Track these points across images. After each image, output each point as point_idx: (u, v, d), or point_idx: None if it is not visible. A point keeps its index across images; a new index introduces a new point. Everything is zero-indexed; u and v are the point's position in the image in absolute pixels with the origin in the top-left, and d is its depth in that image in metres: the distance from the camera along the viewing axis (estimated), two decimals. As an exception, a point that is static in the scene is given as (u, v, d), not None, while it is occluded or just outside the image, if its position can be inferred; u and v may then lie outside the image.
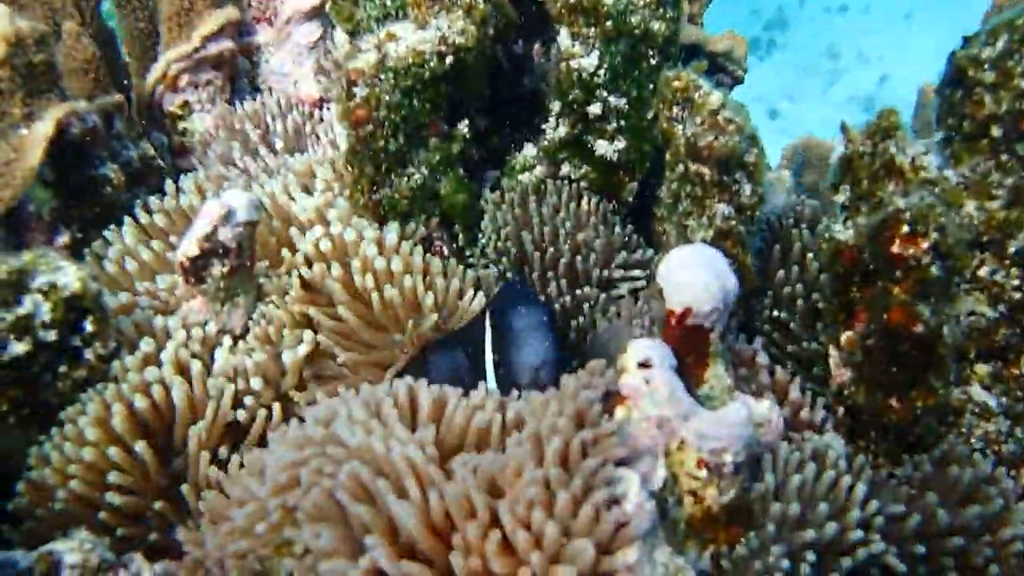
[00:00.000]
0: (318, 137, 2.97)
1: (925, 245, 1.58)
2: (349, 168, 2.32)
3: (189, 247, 2.08)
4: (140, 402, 1.94)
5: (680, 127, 2.13)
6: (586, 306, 2.44)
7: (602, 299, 2.47)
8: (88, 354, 1.96)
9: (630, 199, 2.61)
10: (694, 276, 1.56)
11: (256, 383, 2.13)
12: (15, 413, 1.91)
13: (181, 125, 3.03)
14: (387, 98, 2.19)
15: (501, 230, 2.53)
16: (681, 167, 2.12)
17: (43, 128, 2.18)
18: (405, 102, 2.24)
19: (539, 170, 2.62)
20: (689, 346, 1.58)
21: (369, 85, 2.16)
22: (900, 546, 1.55)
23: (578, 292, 2.43)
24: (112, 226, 2.48)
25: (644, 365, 1.44)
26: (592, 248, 2.45)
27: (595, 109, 2.41)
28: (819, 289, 2.06)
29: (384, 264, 2.21)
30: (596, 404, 1.32)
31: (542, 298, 2.27)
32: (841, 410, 1.78)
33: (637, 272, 2.52)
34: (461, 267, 2.39)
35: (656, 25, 2.33)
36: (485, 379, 2.01)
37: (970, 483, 1.72)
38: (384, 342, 2.25)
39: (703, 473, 1.38)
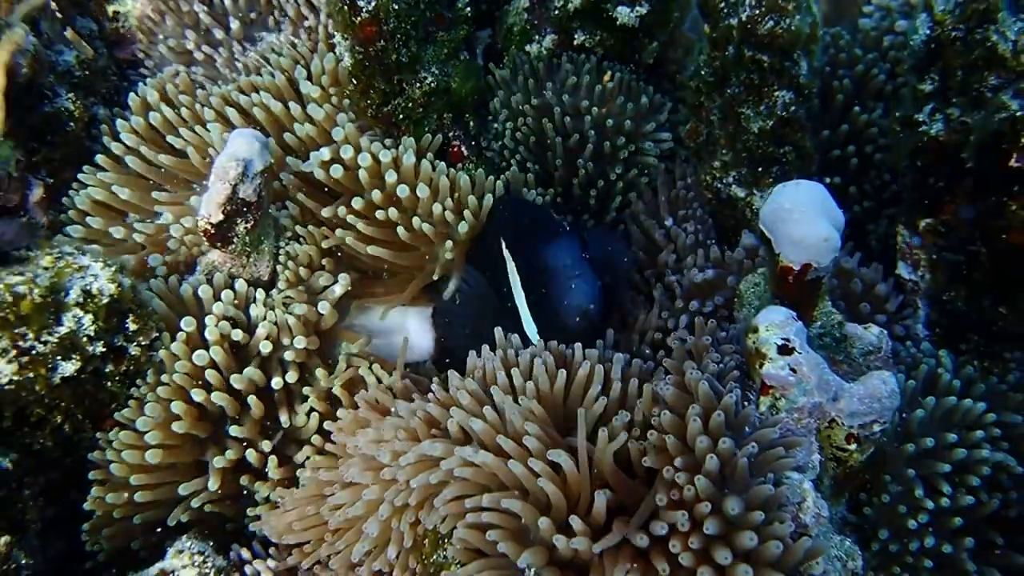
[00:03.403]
0: (274, 5, 2.58)
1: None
2: (354, 82, 2.06)
3: (214, 213, 1.86)
4: (198, 396, 1.83)
5: (723, 1, 1.93)
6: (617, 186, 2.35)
7: (631, 174, 2.38)
8: (133, 349, 1.80)
9: (650, 61, 2.42)
10: (813, 230, 1.48)
11: (300, 341, 2.01)
12: (69, 421, 1.79)
13: (111, 9, 2.57)
14: (395, 6, 1.89)
15: (518, 117, 2.33)
16: (732, 50, 1.95)
17: (-4, 83, 1.83)
18: (412, 3, 1.94)
19: (549, 39, 2.38)
20: (805, 295, 1.55)
21: (379, -3, 1.86)
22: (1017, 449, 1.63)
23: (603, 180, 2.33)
24: (85, 167, 2.20)
25: (784, 350, 1.41)
26: (621, 129, 2.30)
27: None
28: (893, 170, 2.00)
29: (408, 192, 2.04)
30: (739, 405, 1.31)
31: (565, 220, 2.07)
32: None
33: (664, 135, 2.40)
34: (485, 173, 2.22)
35: None
36: (514, 321, 1.88)
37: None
38: (416, 260, 2.13)
39: (852, 446, 1.41)
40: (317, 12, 2.39)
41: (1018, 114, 1.54)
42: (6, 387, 1.60)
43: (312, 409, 1.99)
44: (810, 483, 1.32)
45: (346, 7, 1.88)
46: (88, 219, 2.16)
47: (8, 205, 2.07)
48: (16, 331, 1.59)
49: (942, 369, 1.65)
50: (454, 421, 1.53)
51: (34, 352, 1.61)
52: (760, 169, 2.04)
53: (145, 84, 2.34)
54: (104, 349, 1.70)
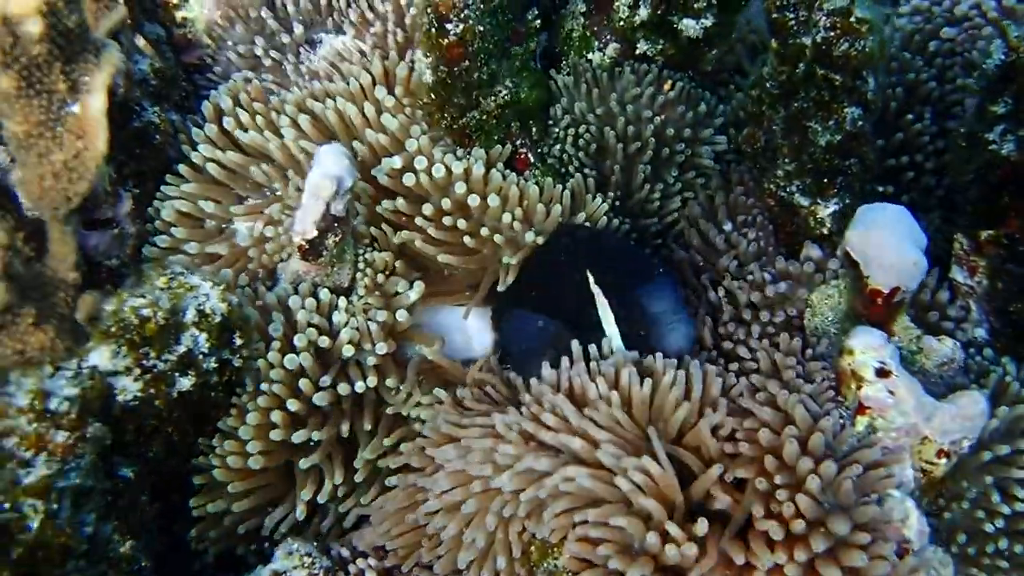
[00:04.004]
0: (333, 7, 2.62)
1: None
2: (433, 96, 2.13)
3: (308, 231, 1.94)
4: (294, 406, 1.94)
5: (793, 18, 2.00)
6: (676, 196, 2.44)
7: (689, 176, 2.46)
8: (236, 361, 1.90)
9: (708, 68, 2.48)
10: (902, 256, 1.59)
11: (381, 348, 2.10)
12: (179, 433, 1.89)
13: (179, 15, 2.62)
14: (480, 28, 1.96)
15: (580, 124, 2.40)
16: (803, 67, 2.02)
17: (97, 104, 1.87)
18: (494, 23, 2.01)
19: (612, 48, 2.44)
20: (890, 315, 1.65)
21: (463, 20, 1.92)
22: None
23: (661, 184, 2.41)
24: (168, 177, 2.28)
25: (882, 373, 1.52)
26: (680, 135, 2.38)
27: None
28: (956, 185, 2.08)
29: (479, 201, 2.12)
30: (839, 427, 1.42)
31: (660, 262, 2.14)
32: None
33: (720, 139, 2.47)
34: (553, 181, 2.29)
35: None
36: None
37: None
38: (480, 262, 2.22)
39: (942, 461, 1.52)
40: (384, 19, 2.44)
41: None
42: (131, 403, 1.71)
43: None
44: (912, 501, 1.43)
45: (434, 30, 1.94)
46: (173, 230, 2.24)
47: (102, 218, 2.15)
48: (140, 351, 1.69)
49: (1009, 377, 1.76)
50: (555, 437, 1.64)
51: (156, 370, 1.71)
52: (825, 180, 2.12)
53: (218, 91, 2.41)
54: (216, 364, 1.80)
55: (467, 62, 2.00)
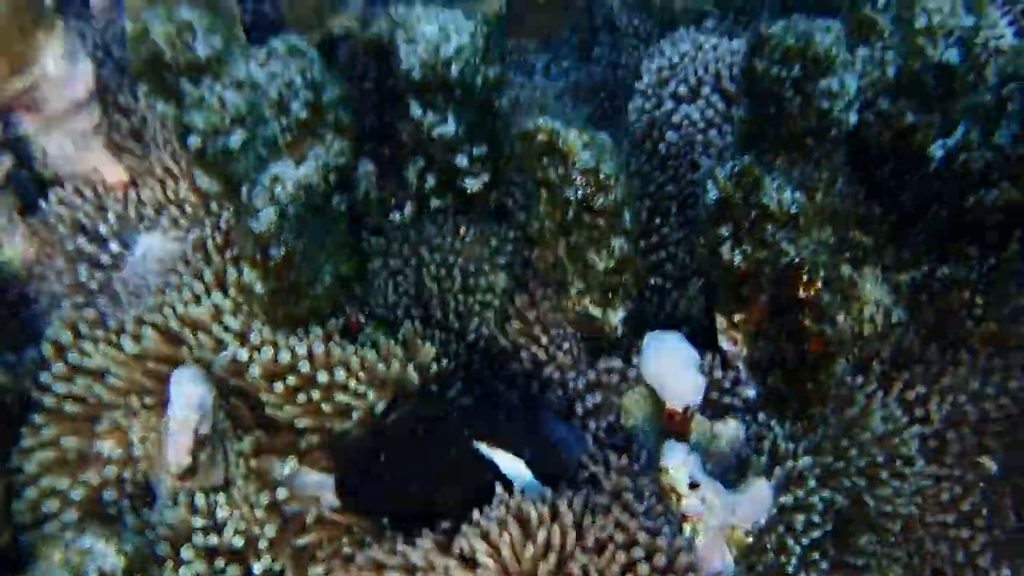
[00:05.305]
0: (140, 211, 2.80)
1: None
2: (266, 301, 2.37)
3: (183, 460, 2.13)
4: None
5: (554, 174, 2.42)
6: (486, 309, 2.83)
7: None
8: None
9: (492, 207, 2.88)
10: (685, 380, 2.05)
11: (271, 529, 2.31)
12: None
13: (-11, 257, 2.68)
14: (300, 243, 2.23)
15: (397, 275, 2.73)
16: (572, 214, 2.44)
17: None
18: (312, 229, 2.28)
19: (409, 208, 2.78)
20: (686, 422, 2.10)
21: (283, 242, 2.18)
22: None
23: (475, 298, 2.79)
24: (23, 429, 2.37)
25: (693, 486, 1.94)
26: (481, 269, 2.77)
27: (461, 162, 2.58)
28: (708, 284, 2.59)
29: (327, 378, 2.39)
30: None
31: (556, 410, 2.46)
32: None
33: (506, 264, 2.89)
34: (386, 336, 2.60)
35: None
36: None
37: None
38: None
39: (749, 538, 1.97)
40: (201, 223, 2.64)
41: (796, 260, 2.17)
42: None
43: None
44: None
45: (258, 256, 2.19)
46: (42, 480, 2.33)
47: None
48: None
49: (779, 440, 2.26)
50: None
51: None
52: (610, 295, 2.56)
53: (53, 327, 2.50)
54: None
55: (293, 274, 2.25)
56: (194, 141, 2.09)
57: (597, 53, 4.98)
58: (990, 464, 2.73)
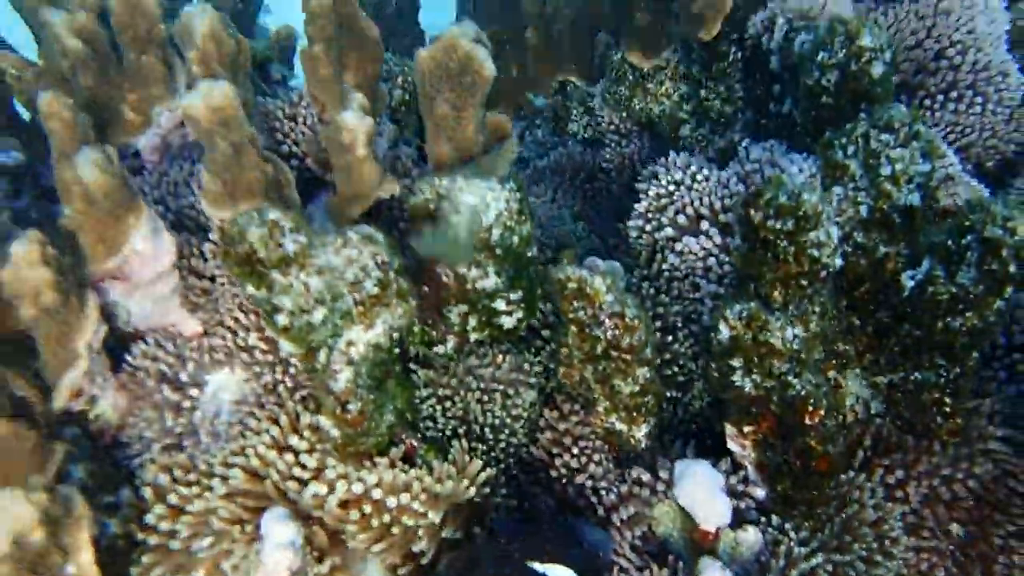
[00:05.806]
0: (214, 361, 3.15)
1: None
2: (339, 441, 2.73)
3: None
4: None
5: (584, 315, 2.81)
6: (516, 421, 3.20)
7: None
8: None
9: (522, 334, 3.27)
10: (715, 508, 2.42)
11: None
12: None
13: (92, 414, 3.02)
14: (372, 398, 2.59)
15: (445, 401, 3.10)
16: (600, 349, 2.83)
17: (87, 559, 2.33)
18: (380, 386, 2.65)
19: (452, 343, 3.16)
20: (717, 539, 2.48)
21: (359, 398, 2.55)
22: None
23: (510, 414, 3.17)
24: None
25: None
26: (518, 392, 3.14)
27: (499, 305, 2.97)
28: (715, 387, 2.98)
29: (396, 502, 2.74)
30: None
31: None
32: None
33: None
34: (437, 455, 2.96)
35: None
36: None
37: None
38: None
39: None
40: (273, 366, 3.00)
41: (802, 392, 2.56)
42: None
43: None
44: None
45: (337, 411, 2.55)
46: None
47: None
48: None
49: (793, 544, 2.64)
50: None
51: None
52: (635, 414, 2.94)
53: (149, 473, 2.85)
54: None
55: (365, 422, 2.61)
56: (282, 320, 2.45)
57: (573, 129, 5.39)
58: (958, 530, 3.13)
